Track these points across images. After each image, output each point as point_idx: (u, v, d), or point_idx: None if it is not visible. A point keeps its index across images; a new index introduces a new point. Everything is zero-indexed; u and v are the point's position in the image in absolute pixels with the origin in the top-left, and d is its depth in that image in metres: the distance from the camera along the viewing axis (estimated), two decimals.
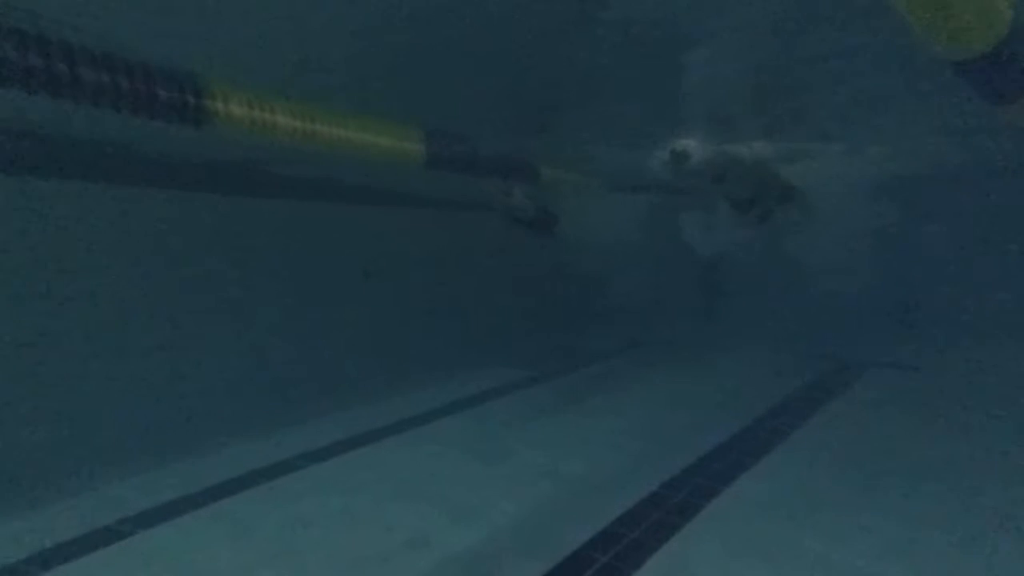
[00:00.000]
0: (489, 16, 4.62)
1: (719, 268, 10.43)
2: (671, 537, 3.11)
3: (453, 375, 6.73)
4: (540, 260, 8.88)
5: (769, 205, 6.68)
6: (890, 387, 6.23)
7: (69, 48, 2.34)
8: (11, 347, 3.72)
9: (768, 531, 3.19)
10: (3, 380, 3.70)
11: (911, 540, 3.07)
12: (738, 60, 5.92)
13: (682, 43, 5.54)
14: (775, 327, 8.77)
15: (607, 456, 4.40)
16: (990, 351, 6.52)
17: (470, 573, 2.93)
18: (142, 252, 4.56)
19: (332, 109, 4.67)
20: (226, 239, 5.18)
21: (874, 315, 8.76)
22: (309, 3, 4.10)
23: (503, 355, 7.65)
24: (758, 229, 7.48)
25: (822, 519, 3.31)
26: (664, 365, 7.69)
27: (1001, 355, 6.37)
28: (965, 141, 7.97)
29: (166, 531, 3.35)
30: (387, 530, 3.29)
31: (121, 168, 4.38)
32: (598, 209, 10.29)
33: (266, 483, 3.97)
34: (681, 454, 4.22)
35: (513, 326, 8.31)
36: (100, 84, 2.69)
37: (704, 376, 6.98)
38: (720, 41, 5.50)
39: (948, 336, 7.28)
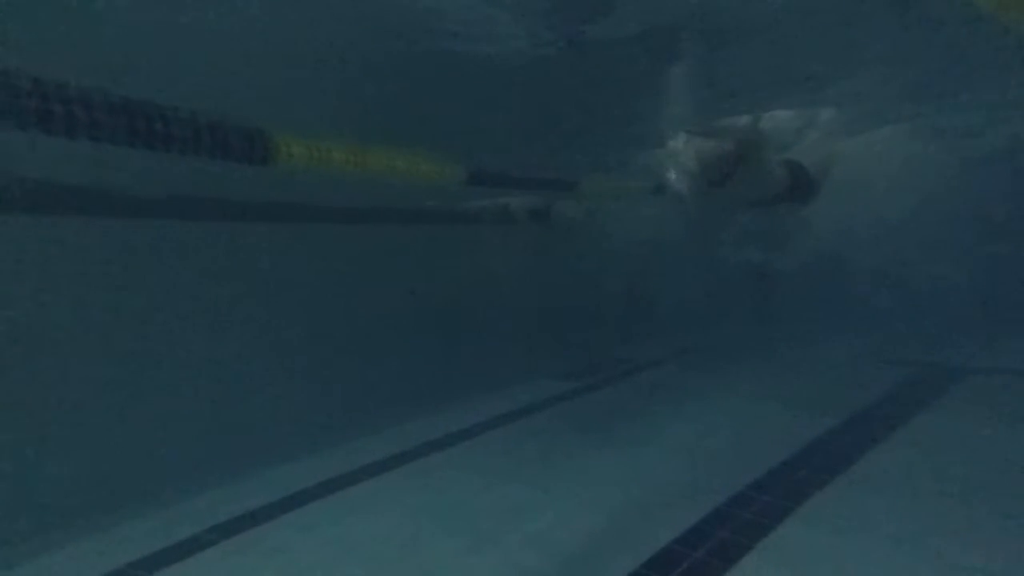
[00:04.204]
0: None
1: (769, 266, 9.85)
2: (731, 566, 3.05)
3: (498, 389, 6.75)
4: (584, 269, 8.86)
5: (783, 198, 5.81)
6: (998, 397, 5.40)
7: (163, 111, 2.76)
8: None
9: None
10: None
11: None
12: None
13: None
14: (840, 328, 8.03)
15: (656, 476, 4.28)
16: None
17: None
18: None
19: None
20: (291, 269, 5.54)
21: (969, 312, 7.68)
22: None
23: (549, 367, 7.65)
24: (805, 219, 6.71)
25: None
26: (715, 374, 7.47)
27: None
28: None
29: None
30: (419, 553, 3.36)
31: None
32: (641, 213, 10.07)
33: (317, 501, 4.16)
34: (741, 474, 4.07)
35: (558, 336, 8.32)
36: (184, 138, 3.07)
37: (760, 387, 6.64)
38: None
39: None
